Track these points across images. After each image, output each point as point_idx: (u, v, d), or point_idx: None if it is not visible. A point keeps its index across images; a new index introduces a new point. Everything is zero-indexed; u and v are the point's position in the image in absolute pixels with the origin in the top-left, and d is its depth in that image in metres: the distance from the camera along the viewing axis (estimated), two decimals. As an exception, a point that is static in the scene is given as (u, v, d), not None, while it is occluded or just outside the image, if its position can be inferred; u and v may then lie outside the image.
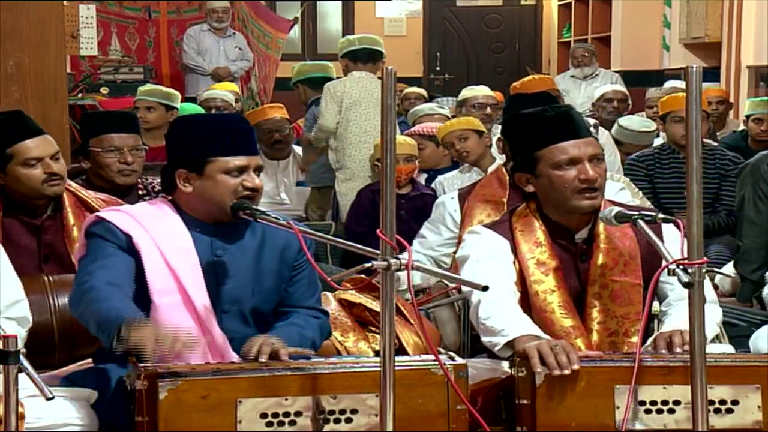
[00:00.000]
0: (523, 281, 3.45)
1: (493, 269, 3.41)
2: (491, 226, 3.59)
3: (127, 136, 4.66)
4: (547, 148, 3.43)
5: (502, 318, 3.28)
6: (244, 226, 3.38)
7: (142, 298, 3.24)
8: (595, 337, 3.43)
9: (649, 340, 3.42)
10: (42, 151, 4.03)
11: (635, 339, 3.36)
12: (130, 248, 3.28)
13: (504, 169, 4.56)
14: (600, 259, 3.45)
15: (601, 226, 3.46)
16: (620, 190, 4.79)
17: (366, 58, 6.99)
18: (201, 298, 3.27)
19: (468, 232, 3.71)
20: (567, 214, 3.48)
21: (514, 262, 3.46)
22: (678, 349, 3.25)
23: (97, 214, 3.41)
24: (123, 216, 3.34)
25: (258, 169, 3.36)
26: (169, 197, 3.42)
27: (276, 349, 3.18)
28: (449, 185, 6.04)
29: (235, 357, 3.26)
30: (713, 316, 3.44)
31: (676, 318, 3.39)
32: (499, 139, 4.69)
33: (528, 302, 3.43)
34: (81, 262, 3.33)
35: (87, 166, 4.73)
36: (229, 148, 3.30)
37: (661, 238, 3.37)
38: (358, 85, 6.87)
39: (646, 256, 3.44)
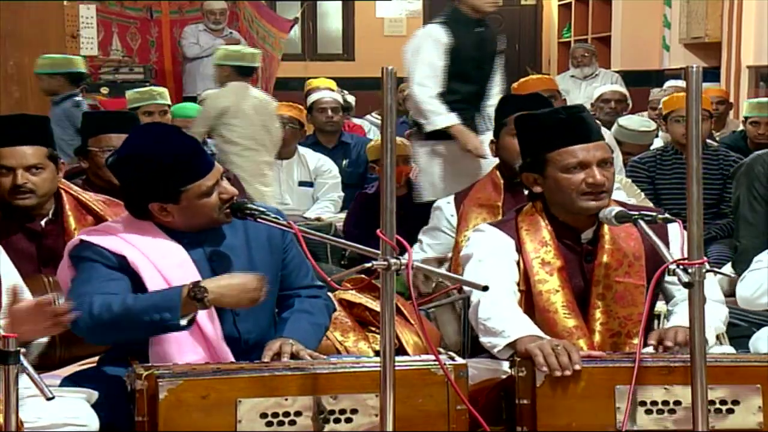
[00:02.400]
0: (526, 280, 3.45)
1: (495, 268, 3.41)
2: (497, 224, 3.60)
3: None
4: (556, 151, 3.43)
5: (502, 319, 3.28)
6: (225, 228, 3.37)
7: None
8: (597, 337, 3.43)
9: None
10: (15, 162, 3.92)
11: (637, 341, 3.36)
12: (124, 268, 3.24)
13: (498, 173, 4.53)
14: (604, 260, 3.45)
15: (606, 227, 3.46)
16: (615, 190, 4.77)
17: (238, 72, 7.14)
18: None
19: (473, 230, 3.71)
20: (573, 215, 3.48)
21: (518, 262, 3.46)
22: (669, 343, 3.25)
23: (81, 237, 3.32)
24: (111, 238, 3.29)
25: (224, 176, 3.35)
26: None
27: (296, 350, 3.20)
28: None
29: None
30: (718, 314, 3.44)
31: (679, 316, 3.40)
32: (492, 141, 4.65)
33: (531, 301, 3.43)
34: (74, 285, 3.25)
35: (86, 165, 4.72)
36: (195, 173, 3.27)
37: (666, 238, 3.38)
38: (228, 96, 6.99)
39: (651, 257, 3.43)
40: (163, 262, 3.26)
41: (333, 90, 9.45)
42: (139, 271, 3.23)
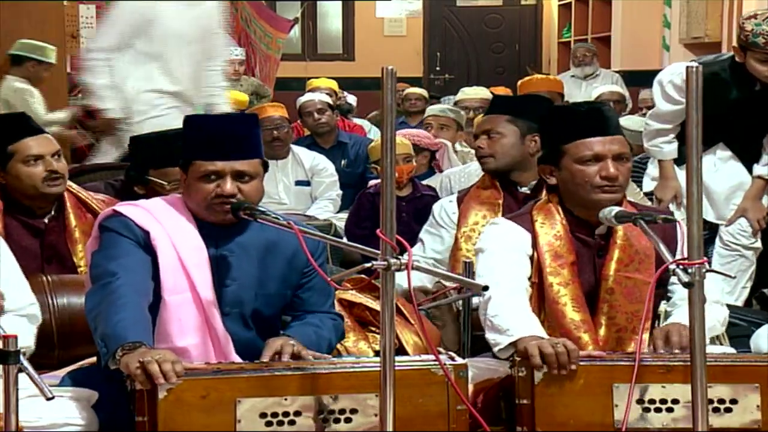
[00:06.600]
0: (539, 272, 3.46)
1: (508, 263, 3.43)
2: (512, 217, 3.61)
3: None
4: (573, 143, 3.46)
5: (509, 317, 3.29)
6: (250, 229, 3.35)
7: (153, 295, 3.22)
8: (603, 331, 3.44)
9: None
10: (43, 149, 4.04)
11: (644, 336, 3.38)
12: (147, 244, 3.26)
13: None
14: (616, 255, 3.47)
15: None
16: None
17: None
18: (209, 296, 3.27)
19: (489, 223, 3.74)
20: (587, 209, 3.49)
21: (531, 256, 3.48)
22: (676, 348, 3.25)
23: (114, 207, 3.36)
24: (141, 211, 3.32)
25: (239, 175, 3.27)
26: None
27: (298, 350, 3.18)
28: (455, 179, 6.03)
29: (236, 358, 3.26)
30: (716, 314, 3.45)
31: (677, 315, 3.40)
32: None
33: (542, 293, 3.45)
34: (96, 256, 3.28)
35: (141, 192, 4.45)
36: (206, 152, 3.26)
37: (674, 237, 3.41)
38: None
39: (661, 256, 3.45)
40: (182, 243, 3.27)
41: (333, 90, 9.48)
42: (157, 251, 3.25)
